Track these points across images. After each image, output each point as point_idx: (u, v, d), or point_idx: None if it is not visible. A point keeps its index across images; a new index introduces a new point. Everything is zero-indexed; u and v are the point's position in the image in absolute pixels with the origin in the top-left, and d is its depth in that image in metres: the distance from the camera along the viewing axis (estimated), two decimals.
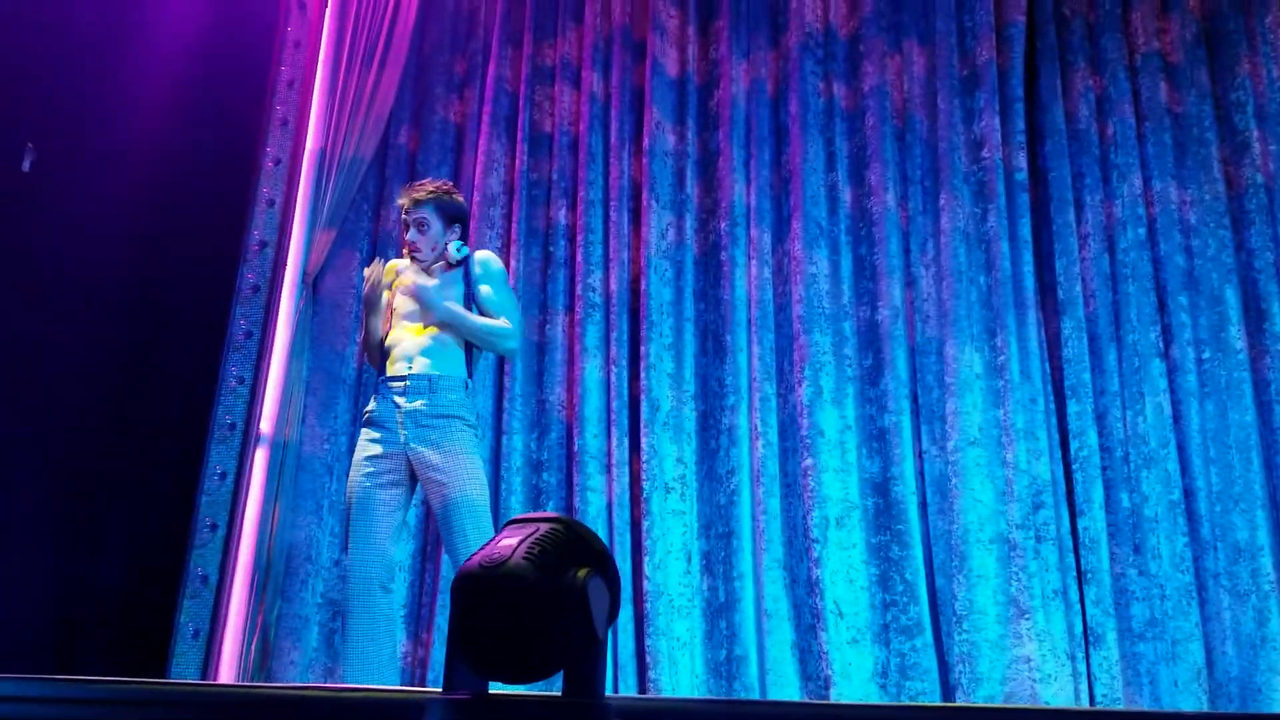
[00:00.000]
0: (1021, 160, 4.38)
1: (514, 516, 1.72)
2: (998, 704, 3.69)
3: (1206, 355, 4.12)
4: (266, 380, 4.16)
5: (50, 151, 3.91)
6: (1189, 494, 3.96)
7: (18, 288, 3.84)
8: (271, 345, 4.19)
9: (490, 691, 1.64)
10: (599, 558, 1.67)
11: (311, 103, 4.53)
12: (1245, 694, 3.69)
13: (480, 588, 1.56)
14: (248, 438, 4.07)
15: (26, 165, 3.86)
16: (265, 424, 4.10)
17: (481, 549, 1.63)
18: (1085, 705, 3.74)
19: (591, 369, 4.24)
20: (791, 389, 4.21)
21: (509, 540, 1.61)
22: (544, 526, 1.65)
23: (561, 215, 4.50)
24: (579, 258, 4.38)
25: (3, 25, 3.90)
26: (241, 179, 4.34)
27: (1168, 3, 4.60)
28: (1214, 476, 3.98)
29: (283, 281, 4.27)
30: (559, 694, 1.60)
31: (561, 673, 1.60)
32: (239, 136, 4.38)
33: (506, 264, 4.44)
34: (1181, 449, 4.01)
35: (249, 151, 4.38)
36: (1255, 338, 4.10)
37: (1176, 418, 4.05)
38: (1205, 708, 3.68)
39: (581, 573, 1.60)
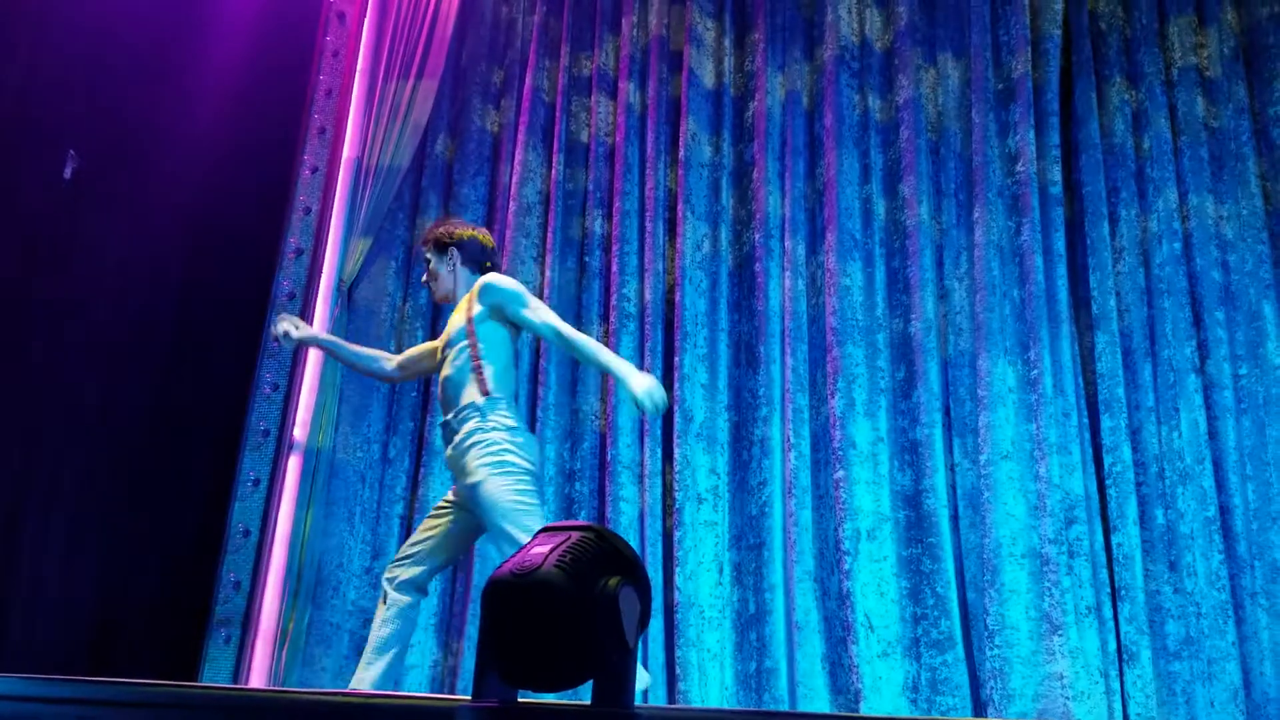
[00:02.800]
0: (1056, 174, 4.35)
1: (545, 525, 1.73)
2: None
3: (1243, 371, 4.06)
4: (301, 387, 4.19)
5: (92, 160, 3.98)
6: (1225, 511, 3.90)
7: (59, 294, 3.90)
8: (306, 352, 4.23)
9: (520, 700, 1.64)
10: (630, 567, 1.67)
11: (349, 112, 4.58)
12: None
13: (511, 596, 1.56)
14: (281, 444, 4.11)
15: (68, 173, 3.92)
16: (299, 431, 4.14)
17: (512, 557, 1.64)
18: None
19: None
20: (824, 401, 4.19)
21: (540, 549, 1.62)
22: (575, 535, 1.66)
23: (597, 225, 4.52)
24: (614, 268, 4.39)
25: (48, 37, 3.97)
26: (279, 187, 4.39)
27: (1205, 17, 4.55)
28: (1251, 493, 3.92)
29: (318, 289, 4.32)
30: (589, 703, 1.60)
31: (591, 682, 1.61)
32: (277, 145, 4.44)
33: (541, 274, 4.46)
34: (1217, 465, 3.95)
35: (286, 160, 4.43)
36: None
37: (1212, 434, 4.00)
38: None
39: (613, 582, 1.60)
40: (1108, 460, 4.02)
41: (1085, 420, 4.11)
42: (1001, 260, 4.27)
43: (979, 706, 3.78)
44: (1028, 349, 4.14)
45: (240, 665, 3.84)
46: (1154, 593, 3.89)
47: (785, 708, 3.78)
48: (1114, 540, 3.93)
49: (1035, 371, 4.08)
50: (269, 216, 4.35)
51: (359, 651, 3.99)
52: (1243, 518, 3.88)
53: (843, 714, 3.76)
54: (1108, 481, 4.00)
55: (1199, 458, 3.94)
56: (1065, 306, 4.19)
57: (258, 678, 3.84)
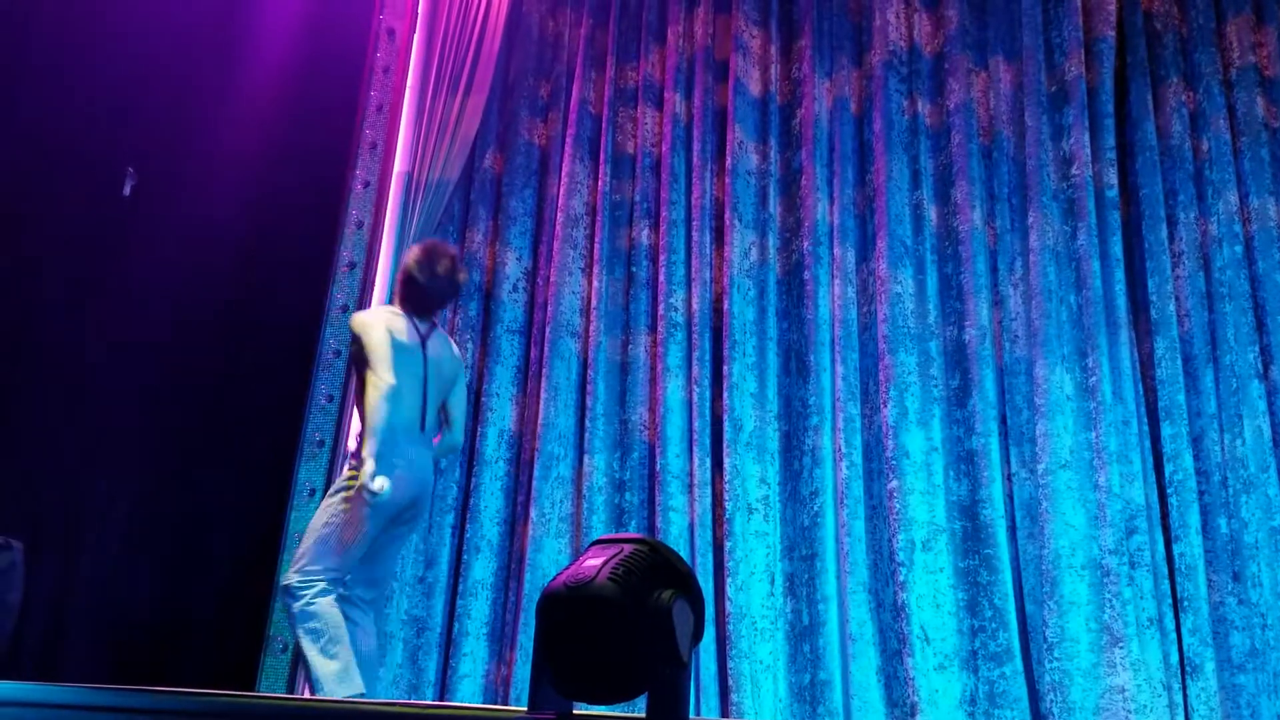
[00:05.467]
0: (1112, 177, 4.27)
1: (598, 537, 1.73)
2: None
3: None
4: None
5: (151, 177, 4.06)
6: None
7: (118, 308, 3.99)
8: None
9: (575, 712, 1.64)
10: (683, 579, 1.67)
11: (400, 127, 4.64)
12: None
13: (565, 608, 1.56)
14: (336, 454, 4.15)
15: (127, 190, 4.00)
16: (352, 442, 4.18)
17: (566, 569, 1.64)
18: None
19: (674, 389, 4.24)
20: (876, 410, 4.15)
21: (593, 561, 1.62)
22: (628, 547, 1.65)
23: (644, 235, 4.52)
24: (661, 278, 4.39)
25: (105, 61, 4.07)
26: (332, 201, 4.45)
27: (1263, 15, 4.45)
28: None
29: (370, 302, 4.37)
30: (643, 715, 1.59)
31: (646, 694, 1.60)
32: (329, 160, 4.50)
33: (589, 285, 4.47)
34: None
35: (339, 175, 4.50)
36: None
37: (1277, 441, 3.90)
38: None
39: (666, 595, 1.60)
40: (1169, 468, 3.93)
41: (1145, 428, 4.03)
42: (1057, 265, 4.20)
43: None
44: (1085, 355, 4.07)
45: (296, 675, 3.88)
46: (1218, 604, 3.80)
47: None
48: (1176, 550, 3.84)
49: (1094, 378, 4.01)
50: (322, 230, 4.42)
51: (414, 660, 4.03)
52: None
53: None
54: (1169, 490, 3.92)
55: (1263, 465, 3.84)
56: (1124, 312, 4.11)
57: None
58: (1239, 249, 4.13)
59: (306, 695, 3.78)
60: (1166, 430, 3.97)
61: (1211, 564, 3.84)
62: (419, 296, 3.49)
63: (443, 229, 4.52)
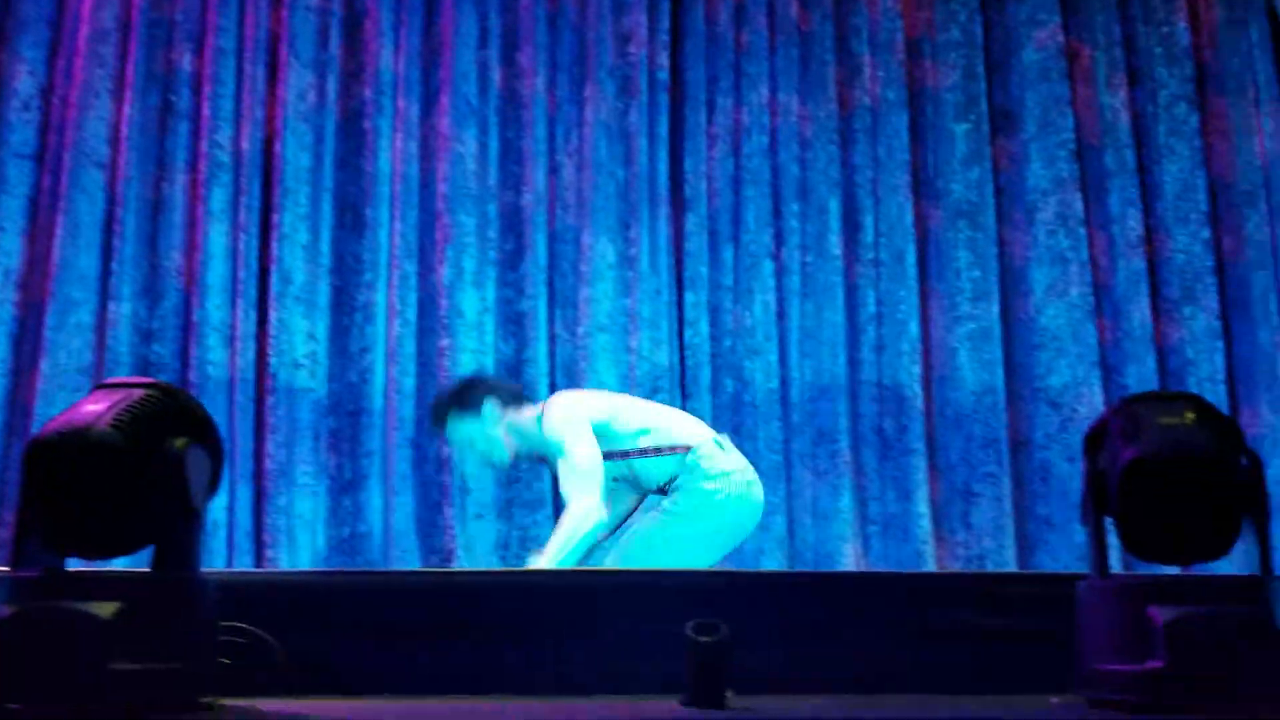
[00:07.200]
0: (664, 59, 4.49)
1: (102, 381, 1.60)
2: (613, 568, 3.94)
3: (810, 259, 4.48)
4: None
5: None
6: (785, 383, 4.34)
7: None
8: None
9: (68, 568, 1.53)
10: (200, 426, 1.59)
11: None
12: (818, 559, 4.19)
13: (57, 456, 1.44)
14: None
15: None
16: None
17: (62, 413, 1.50)
18: None
19: (216, 235, 3.99)
20: (432, 269, 4.18)
21: (94, 406, 1.50)
22: (138, 392, 1.54)
23: (186, 61, 4.12)
24: (205, 111, 4.06)
25: None
26: None
27: None
28: (807, 369, 4.38)
29: None
30: (148, 570, 1.52)
31: (153, 547, 1.52)
32: None
33: (118, 111, 4.01)
34: (782, 342, 4.37)
35: None
36: (850, 247, 4.49)
37: (781, 314, 4.41)
38: (784, 568, 4.13)
39: (180, 443, 1.52)
40: (688, 333, 4.33)
41: (674, 296, 4.38)
42: (609, 140, 4.39)
43: None
44: (629, 228, 4.33)
45: None
46: None
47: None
48: (689, 407, 4.26)
49: (634, 250, 4.29)
50: None
51: None
52: (799, 389, 4.34)
53: (412, 569, 3.86)
54: (687, 353, 4.32)
55: (768, 335, 4.34)
56: (664, 189, 4.40)
57: None
58: (765, 139, 4.53)
59: None
60: (689, 298, 4.36)
61: (717, 419, 4.31)
62: None
63: None
